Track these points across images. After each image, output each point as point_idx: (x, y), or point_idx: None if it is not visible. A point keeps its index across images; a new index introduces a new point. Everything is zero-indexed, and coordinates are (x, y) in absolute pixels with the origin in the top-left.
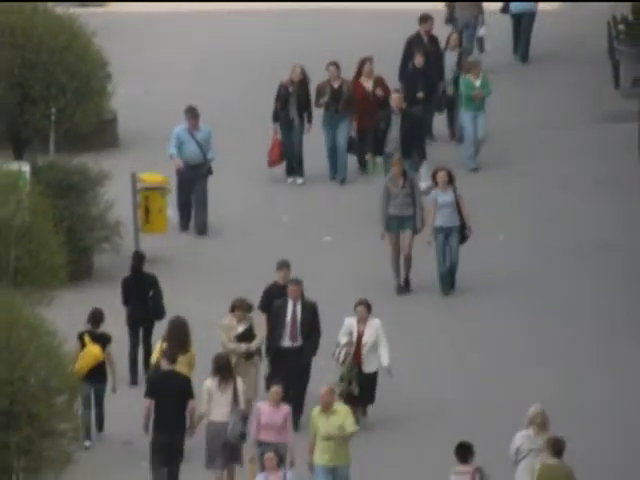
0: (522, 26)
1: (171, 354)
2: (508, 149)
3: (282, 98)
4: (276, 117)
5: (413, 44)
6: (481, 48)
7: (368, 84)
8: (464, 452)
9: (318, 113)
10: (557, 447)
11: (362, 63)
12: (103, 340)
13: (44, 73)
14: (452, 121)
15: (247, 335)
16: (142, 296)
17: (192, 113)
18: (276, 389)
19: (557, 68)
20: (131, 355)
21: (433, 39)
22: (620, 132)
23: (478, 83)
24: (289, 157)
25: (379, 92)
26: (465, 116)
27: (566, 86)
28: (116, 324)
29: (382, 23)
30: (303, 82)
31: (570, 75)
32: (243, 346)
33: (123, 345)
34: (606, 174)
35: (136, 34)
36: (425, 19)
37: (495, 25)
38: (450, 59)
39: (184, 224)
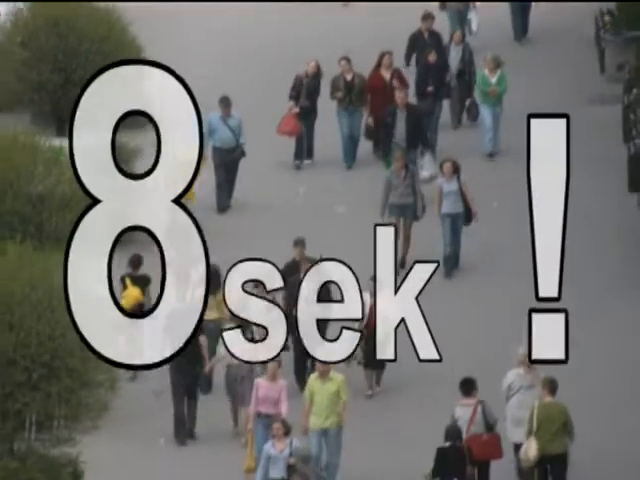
0: (521, 5)
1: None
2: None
3: (297, 89)
4: (291, 97)
5: (416, 41)
6: (470, 30)
7: (386, 76)
8: (468, 386)
9: (332, 105)
10: (552, 386)
11: (382, 56)
12: (143, 282)
13: (85, 60)
14: (453, 109)
15: None
16: None
17: (226, 102)
18: (272, 365)
19: (548, 54)
20: None
21: (434, 35)
22: (605, 114)
23: (494, 79)
24: (299, 143)
25: (395, 83)
26: (483, 108)
27: (556, 71)
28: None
29: (386, 18)
30: (316, 76)
31: (560, 61)
32: None
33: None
34: (592, 152)
35: (168, 24)
36: (426, 17)
37: (490, 9)
38: (455, 54)
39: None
